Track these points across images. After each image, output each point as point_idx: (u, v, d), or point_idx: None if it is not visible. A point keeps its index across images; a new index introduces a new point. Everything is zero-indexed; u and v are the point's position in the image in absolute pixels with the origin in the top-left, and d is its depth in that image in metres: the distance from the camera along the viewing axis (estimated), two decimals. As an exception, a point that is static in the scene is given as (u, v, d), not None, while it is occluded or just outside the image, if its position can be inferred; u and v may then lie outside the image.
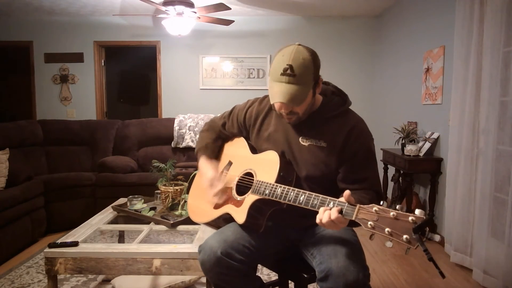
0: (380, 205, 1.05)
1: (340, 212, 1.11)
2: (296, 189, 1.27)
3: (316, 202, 1.19)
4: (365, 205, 1.08)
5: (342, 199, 1.14)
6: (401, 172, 3.49)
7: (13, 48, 5.41)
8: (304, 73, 1.26)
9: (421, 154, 3.31)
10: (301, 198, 1.23)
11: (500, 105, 2.38)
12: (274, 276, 2.40)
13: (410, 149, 3.32)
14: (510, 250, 2.25)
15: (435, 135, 3.32)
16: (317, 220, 1.15)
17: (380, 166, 3.99)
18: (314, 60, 1.29)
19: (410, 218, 0.98)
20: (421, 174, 3.51)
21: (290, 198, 1.26)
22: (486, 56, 2.49)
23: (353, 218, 1.08)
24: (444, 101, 3.23)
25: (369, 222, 1.04)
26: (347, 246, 1.28)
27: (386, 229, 1.00)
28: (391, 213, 1.01)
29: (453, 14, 2.91)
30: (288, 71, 1.24)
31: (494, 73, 2.40)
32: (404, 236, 0.97)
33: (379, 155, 3.94)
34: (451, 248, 2.80)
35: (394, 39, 4.48)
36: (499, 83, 2.37)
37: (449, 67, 3.06)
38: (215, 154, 1.68)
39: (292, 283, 1.60)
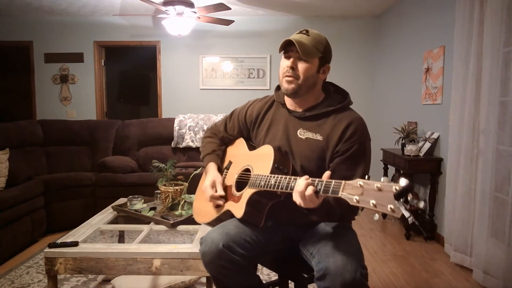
0: (365, 179, 1.06)
1: (317, 191, 1.15)
2: (289, 176, 1.29)
3: None
4: (350, 181, 1.08)
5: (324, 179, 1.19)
6: (401, 172, 3.48)
7: (13, 48, 5.40)
8: (317, 39, 1.40)
9: (421, 154, 3.31)
10: (292, 185, 1.25)
11: (500, 105, 2.38)
12: (274, 276, 2.40)
13: (410, 149, 3.32)
14: (510, 250, 2.25)
15: (435, 135, 3.32)
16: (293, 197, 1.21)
17: (380, 166, 4.00)
18: (327, 40, 1.44)
19: (393, 187, 0.97)
20: (421, 174, 3.51)
21: (282, 186, 1.28)
22: (486, 56, 2.48)
23: (339, 195, 1.09)
24: (444, 101, 3.23)
25: (355, 197, 1.04)
26: (345, 246, 1.29)
27: (371, 202, 1.00)
28: (375, 185, 1.01)
29: (453, 14, 2.91)
30: (304, 31, 1.41)
31: (494, 73, 2.40)
32: (389, 206, 0.96)
33: (379, 155, 3.95)
34: (451, 248, 2.80)
35: (394, 39, 4.48)
36: (499, 83, 2.37)
37: (449, 67, 3.06)
38: (220, 159, 1.72)
39: (292, 283, 1.60)
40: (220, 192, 1.52)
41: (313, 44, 1.38)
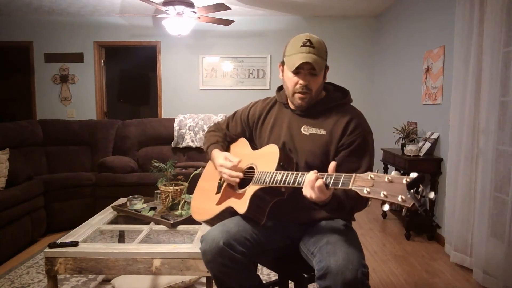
0: (375, 172, 1.08)
1: (327, 185, 1.15)
2: (296, 172, 1.30)
3: None
4: (361, 174, 1.10)
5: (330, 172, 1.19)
6: (401, 172, 3.49)
7: (13, 48, 5.41)
8: (321, 49, 1.41)
9: (421, 154, 3.31)
10: (300, 179, 1.25)
11: (500, 105, 2.38)
12: (274, 276, 2.40)
13: (410, 149, 3.32)
14: (510, 250, 2.25)
15: (435, 135, 3.32)
16: (304, 192, 1.21)
17: (380, 166, 3.99)
18: (324, 44, 1.44)
19: (404, 179, 1.00)
20: (421, 174, 3.51)
21: (289, 181, 1.28)
22: (486, 56, 2.48)
23: (350, 187, 1.10)
24: (444, 101, 3.23)
25: (365, 188, 1.05)
26: (346, 244, 1.29)
27: (382, 192, 1.02)
28: (386, 178, 1.04)
29: (453, 14, 2.91)
30: (308, 44, 1.38)
31: (494, 73, 2.40)
32: (399, 197, 0.98)
33: (379, 155, 3.95)
34: (451, 248, 2.80)
35: (394, 39, 4.48)
36: (499, 83, 2.37)
37: (449, 67, 3.06)
38: (225, 150, 1.71)
39: (292, 283, 1.60)
40: (235, 161, 1.49)
41: (321, 56, 1.39)
